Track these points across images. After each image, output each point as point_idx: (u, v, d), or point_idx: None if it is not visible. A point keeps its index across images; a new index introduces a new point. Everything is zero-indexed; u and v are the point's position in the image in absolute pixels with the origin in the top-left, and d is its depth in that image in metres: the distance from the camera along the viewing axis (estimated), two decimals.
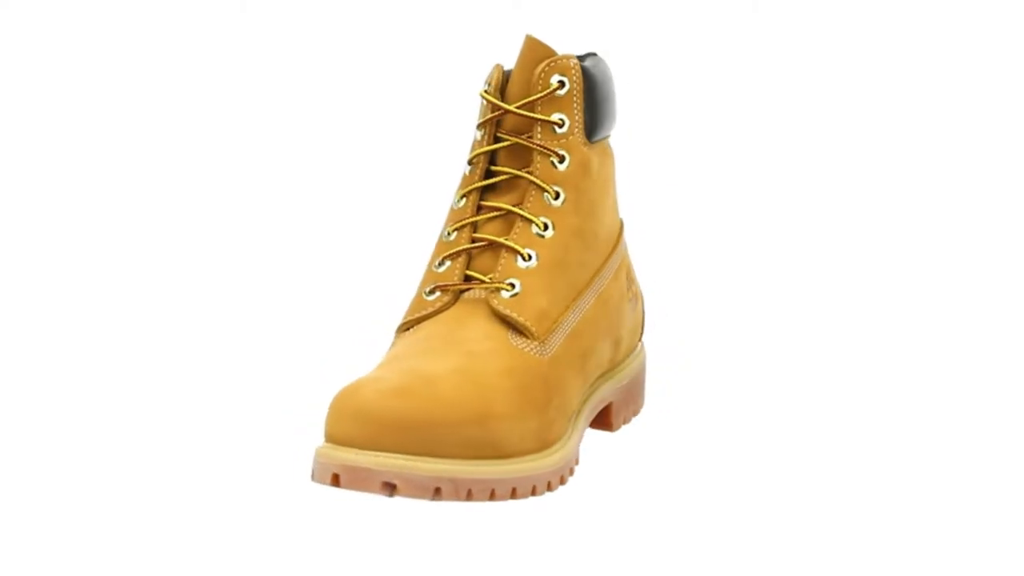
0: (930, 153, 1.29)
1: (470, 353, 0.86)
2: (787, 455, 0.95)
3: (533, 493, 0.84)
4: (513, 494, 0.83)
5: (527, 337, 0.88)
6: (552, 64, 0.91)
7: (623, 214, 1.00)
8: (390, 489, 0.80)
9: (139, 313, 1.18)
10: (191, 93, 1.28)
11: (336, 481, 0.80)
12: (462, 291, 0.90)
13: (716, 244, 1.26)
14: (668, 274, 1.11)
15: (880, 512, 0.86)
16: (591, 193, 0.93)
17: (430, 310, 0.90)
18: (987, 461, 0.93)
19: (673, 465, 0.93)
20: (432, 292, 0.91)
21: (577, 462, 0.89)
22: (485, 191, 0.93)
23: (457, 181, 0.94)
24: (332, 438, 0.81)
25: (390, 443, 0.80)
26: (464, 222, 0.92)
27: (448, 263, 0.91)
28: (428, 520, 0.83)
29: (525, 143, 0.92)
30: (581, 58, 0.95)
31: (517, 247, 0.90)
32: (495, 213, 0.92)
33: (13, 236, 1.26)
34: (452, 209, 0.93)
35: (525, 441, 0.84)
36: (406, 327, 0.91)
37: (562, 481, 0.87)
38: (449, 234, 0.92)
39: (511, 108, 0.92)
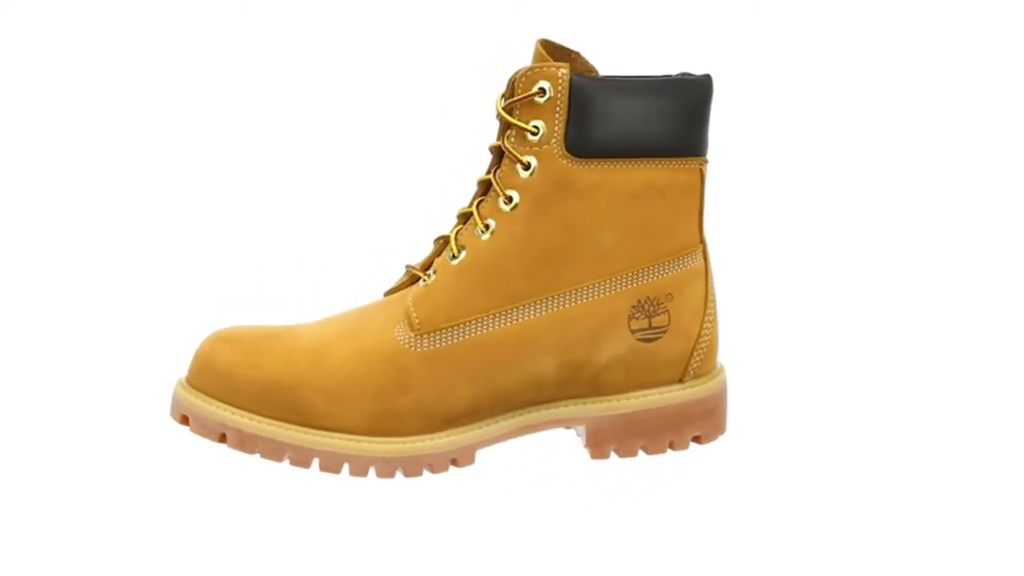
0: (931, 158, 1.27)
1: (351, 328, 0.90)
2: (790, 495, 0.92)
3: (351, 472, 0.87)
4: (321, 465, 0.87)
5: (409, 328, 0.88)
6: (537, 70, 0.89)
7: None
8: (185, 422, 0.88)
9: (139, 311, 1.19)
10: (204, 93, 1.28)
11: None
12: (417, 277, 0.92)
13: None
14: None
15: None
16: (570, 209, 0.90)
17: (395, 286, 0.93)
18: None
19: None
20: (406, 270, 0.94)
21: (459, 464, 0.90)
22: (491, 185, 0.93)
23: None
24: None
25: (198, 382, 0.89)
26: (462, 212, 0.93)
27: (432, 247, 0.93)
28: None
29: (501, 144, 0.91)
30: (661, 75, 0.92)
31: (453, 243, 0.91)
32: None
33: (13, 236, 1.25)
34: None
35: (348, 419, 0.87)
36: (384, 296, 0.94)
37: (406, 472, 0.88)
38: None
39: (499, 109, 0.91)
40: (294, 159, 1.27)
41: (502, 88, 0.92)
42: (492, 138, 0.93)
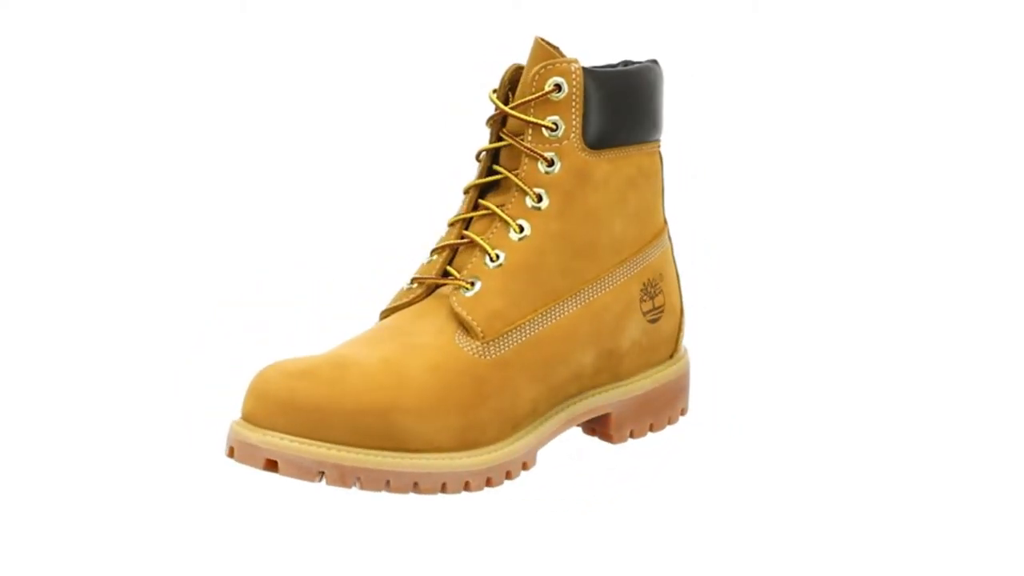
0: (932, 157, 1.29)
1: (408, 345, 0.86)
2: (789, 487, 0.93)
3: (444, 490, 0.84)
4: (416, 488, 0.83)
5: (472, 337, 0.87)
6: (549, 67, 0.89)
7: None
8: (273, 467, 0.81)
9: (139, 311, 1.16)
10: (203, 93, 1.26)
11: (231, 454, 0.82)
12: (437, 285, 0.90)
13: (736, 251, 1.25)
14: None
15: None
16: (591, 201, 0.91)
17: (403, 300, 0.90)
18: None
19: (641, 484, 0.92)
20: (411, 283, 0.91)
21: (528, 467, 0.89)
22: (486, 189, 0.92)
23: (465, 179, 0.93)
24: (242, 414, 0.83)
25: (280, 423, 0.81)
26: (457, 218, 0.92)
27: (434, 257, 0.91)
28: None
29: (516, 144, 0.90)
30: (612, 65, 0.93)
31: (487, 247, 0.89)
32: (484, 212, 0.91)
33: (12, 236, 1.23)
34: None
35: (439, 437, 0.84)
36: (384, 315, 0.91)
37: (489, 483, 0.86)
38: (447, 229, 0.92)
39: (505, 108, 0.90)
40: (293, 159, 1.23)
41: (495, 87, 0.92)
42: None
